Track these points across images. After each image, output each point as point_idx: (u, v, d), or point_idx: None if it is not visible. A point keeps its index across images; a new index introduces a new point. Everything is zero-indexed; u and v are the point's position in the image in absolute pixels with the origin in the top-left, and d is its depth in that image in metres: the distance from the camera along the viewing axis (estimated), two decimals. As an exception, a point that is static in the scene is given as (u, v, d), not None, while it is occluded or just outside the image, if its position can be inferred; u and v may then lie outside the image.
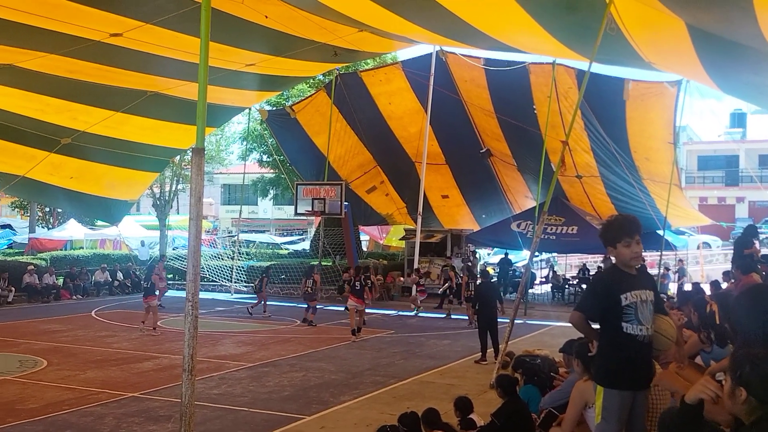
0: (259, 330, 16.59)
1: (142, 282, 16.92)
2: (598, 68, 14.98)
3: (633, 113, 18.16)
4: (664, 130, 18.81)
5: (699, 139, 52.34)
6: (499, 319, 12.88)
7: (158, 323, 15.99)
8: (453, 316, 19.23)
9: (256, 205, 53.84)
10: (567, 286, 25.16)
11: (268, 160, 31.35)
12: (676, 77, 16.92)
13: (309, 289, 17.43)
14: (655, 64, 11.94)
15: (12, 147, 18.50)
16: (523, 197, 25.49)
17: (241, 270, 25.79)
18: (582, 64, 15.19)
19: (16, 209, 39.30)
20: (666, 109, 18.08)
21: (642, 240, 4.81)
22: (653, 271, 20.82)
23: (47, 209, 36.78)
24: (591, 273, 26.23)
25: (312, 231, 40.27)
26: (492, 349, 12.49)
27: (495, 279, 21.66)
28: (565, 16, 10.39)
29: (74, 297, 23.14)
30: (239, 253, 26.96)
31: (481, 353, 12.60)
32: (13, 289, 21.65)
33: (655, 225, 20.47)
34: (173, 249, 31.85)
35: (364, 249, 32.50)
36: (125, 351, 13.35)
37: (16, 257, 27.08)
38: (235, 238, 29.75)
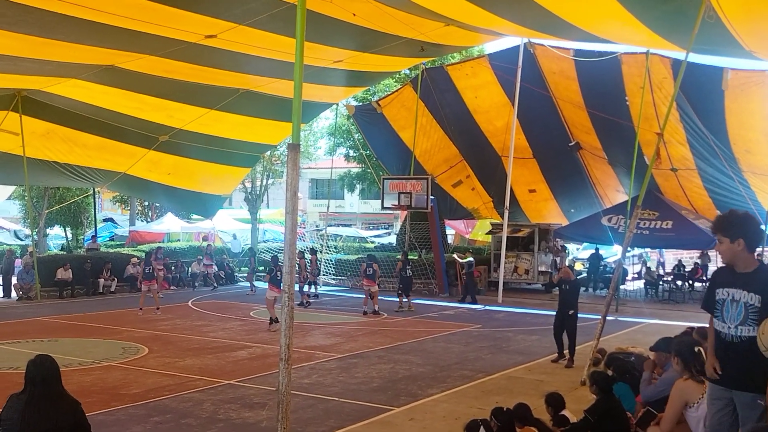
0: (347, 322, 16.87)
1: (145, 268, 18.56)
2: (695, 57, 14.41)
3: (732, 104, 17.38)
4: (766, 121, 17.94)
5: (804, 129, 49.47)
6: (579, 315, 12.13)
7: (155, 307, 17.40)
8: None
9: (343, 199, 54.57)
10: (661, 283, 24.38)
11: (355, 154, 31.73)
12: (779, 65, 16.11)
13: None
14: (757, 52, 11.42)
15: (114, 144, 19.47)
16: (614, 191, 24.83)
17: (329, 263, 26.25)
18: (678, 53, 14.68)
19: (117, 203, 41.28)
20: (768, 99, 17.25)
21: None
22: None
23: (146, 203, 38.45)
24: (687, 269, 25.39)
25: (398, 225, 40.49)
26: (567, 350, 11.93)
27: (579, 276, 21.03)
28: (659, 5, 10.08)
29: (171, 288, 24.13)
30: (327, 246, 27.43)
31: (568, 353, 11.93)
32: (115, 279, 22.77)
33: (755, 219, 19.55)
34: (263, 242, 32.72)
35: (450, 243, 32.45)
36: (220, 340, 13.85)
37: (118, 249, 28.47)
38: (323, 231, 30.27)
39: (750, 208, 19.54)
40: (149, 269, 18.25)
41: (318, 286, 22.72)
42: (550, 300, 21.40)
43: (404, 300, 19.23)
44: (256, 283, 24.17)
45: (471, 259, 22.06)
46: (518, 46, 20.10)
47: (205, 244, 28.86)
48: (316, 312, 18.45)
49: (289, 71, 7.44)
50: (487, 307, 20.22)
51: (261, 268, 27.50)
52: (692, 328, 8.01)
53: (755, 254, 4.69)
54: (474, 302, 21.08)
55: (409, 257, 21.39)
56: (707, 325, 5.07)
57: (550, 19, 11.07)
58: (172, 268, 24.91)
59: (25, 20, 10.99)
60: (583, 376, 9.72)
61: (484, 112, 23.19)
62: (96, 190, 27.53)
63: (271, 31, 12.50)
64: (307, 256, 22.20)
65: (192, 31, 12.46)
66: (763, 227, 20.74)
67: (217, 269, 25.86)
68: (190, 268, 25.62)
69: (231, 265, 27.15)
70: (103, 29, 11.76)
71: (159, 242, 31.31)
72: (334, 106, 25.33)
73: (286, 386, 5.60)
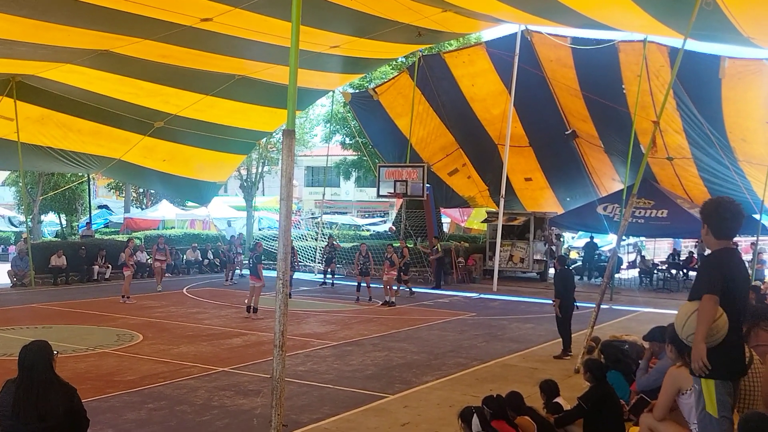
0: (342, 310, 16.88)
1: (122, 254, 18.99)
2: (693, 45, 14.41)
3: (729, 92, 17.36)
4: (763, 110, 17.94)
5: (800, 119, 49.44)
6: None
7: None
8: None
9: (339, 186, 54.51)
10: (656, 272, 24.43)
11: (351, 142, 31.65)
12: (777, 53, 16.09)
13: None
14: (755, 39, 11.39)
15: (109, 130, 19.38)
16: (610, 180, 24.84)
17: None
18: (675, 41, 14.64)
19: (112, 190, 41.15)
20: (765, 88, 17.23)
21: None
22: (747, 257, 20.04)
23: (141, 190, 38.33)
24: (681, 258, 25.45)
25: (393, 213, 40.46)
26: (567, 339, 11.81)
27: (572, 266, 20.91)
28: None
29: (166, 275, 24.04)
30: (322, 234, 27.40)
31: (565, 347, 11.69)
32: (110, 266, 22.69)
33: (750, 209, 19.61)
34: (259, 230, 32.64)
35: (445, 231, 32.44)
36: (215, 327, 13.84)
37: (113, 236, 28.38)
38: (318, 219, 30.23)
39: (745, 197, 19.58)
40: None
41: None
42: (544, 288, 21.42)
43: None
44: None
45: (437, 246, 22.42)
46: (515, 33, 20.00)
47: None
48: (311, 300, 18.44)
49: (285, 56, 7.38)
50: (483, 296, 20.24)
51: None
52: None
53: (727, 241, 4.71)
54: (437, 287, 21.51)
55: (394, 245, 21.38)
56: None
57: (548, 3, 11.02)
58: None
59: (17, 1, 10.88)
60: (577, 364, 9.73)
61: (480, 100, 23.13)
62: (91, 176, 27.41)
63: (267, 14, 12.42)
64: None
65: (187, 14, 12.37)
66: (756, 216, 20.41)
67: (213, 256, 25.84)
68: (185, 256, 25.56)
69: (226, 252, 27.06)
70: (96, 11, 11.67)
71: (154, 229, 31.24)
72: (331, 93, 25.23)
73: (281, 373, 5.59)
